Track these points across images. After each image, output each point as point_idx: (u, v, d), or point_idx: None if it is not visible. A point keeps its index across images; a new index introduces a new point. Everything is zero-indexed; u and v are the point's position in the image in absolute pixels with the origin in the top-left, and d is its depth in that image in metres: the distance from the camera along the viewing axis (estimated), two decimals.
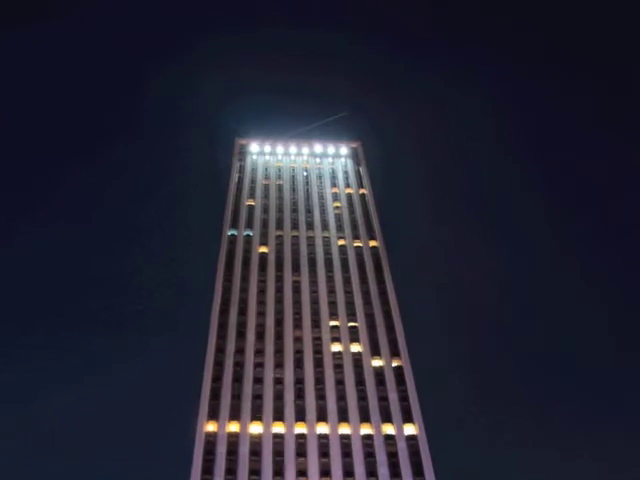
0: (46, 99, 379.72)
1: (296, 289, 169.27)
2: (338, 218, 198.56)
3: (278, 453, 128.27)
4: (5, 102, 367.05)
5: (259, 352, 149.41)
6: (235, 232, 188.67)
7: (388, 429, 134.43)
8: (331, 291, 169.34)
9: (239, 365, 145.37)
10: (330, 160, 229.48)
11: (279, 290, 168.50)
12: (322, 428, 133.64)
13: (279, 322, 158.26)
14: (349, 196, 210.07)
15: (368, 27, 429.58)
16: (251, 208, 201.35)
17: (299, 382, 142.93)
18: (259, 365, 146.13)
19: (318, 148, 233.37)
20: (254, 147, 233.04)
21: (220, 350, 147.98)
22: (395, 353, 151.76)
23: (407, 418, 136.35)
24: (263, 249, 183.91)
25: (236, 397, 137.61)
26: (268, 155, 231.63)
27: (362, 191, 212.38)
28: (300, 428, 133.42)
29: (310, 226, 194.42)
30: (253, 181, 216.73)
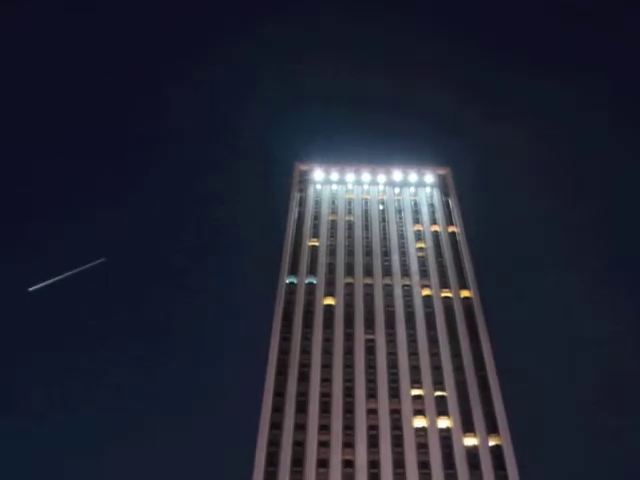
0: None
1: (370, 350, 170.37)
2: (422, 262, 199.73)
3: None
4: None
5: (324, 428, 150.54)
6: (295, 279, 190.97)
7: None
8: (413, 353, 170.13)
9: (299, 445, 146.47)
10: (412, 190, 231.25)
11: (349, 351, 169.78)
12: None
13: (349, 391, 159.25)
14: (435, 235, 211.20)
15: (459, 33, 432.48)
16: (314, 250, 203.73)
17: (374, 465, 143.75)
18: (324, 444, 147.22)
19: (397, 175, 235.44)
20: (318, 174, 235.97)
21: (276, 426, 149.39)
22: (492, 429, 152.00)
23: None
24: (329, 300, 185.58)
25: None
26: (335, 184, 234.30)
27: (452, 229, 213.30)
28: None
29: (387, 272, 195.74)
30: (317, 216, 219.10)
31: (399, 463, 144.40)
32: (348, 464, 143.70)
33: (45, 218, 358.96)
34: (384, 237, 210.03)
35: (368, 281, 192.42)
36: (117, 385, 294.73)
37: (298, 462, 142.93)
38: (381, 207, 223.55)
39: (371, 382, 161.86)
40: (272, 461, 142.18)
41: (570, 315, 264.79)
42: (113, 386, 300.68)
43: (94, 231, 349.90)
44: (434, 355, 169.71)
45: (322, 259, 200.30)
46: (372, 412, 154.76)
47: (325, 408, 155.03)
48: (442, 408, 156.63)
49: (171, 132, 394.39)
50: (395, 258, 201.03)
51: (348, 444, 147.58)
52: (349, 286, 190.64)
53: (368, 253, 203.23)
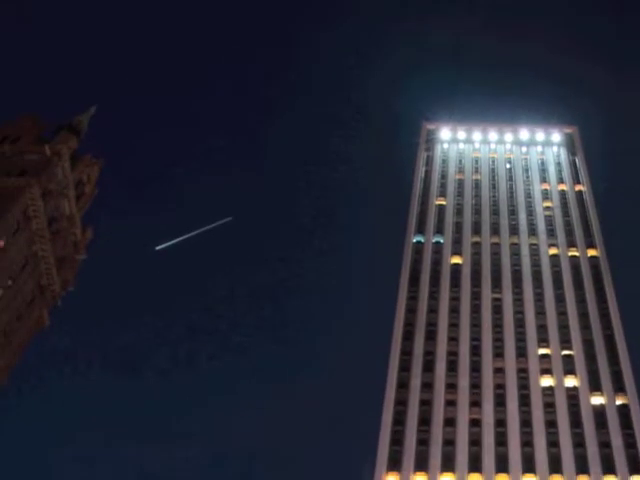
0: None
1: (497, 309, 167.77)
2: (549, 221, 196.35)
3: None
4: None
5: (451, 387, 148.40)
6: (422, 239, 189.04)
7: None
8: (540, 312, 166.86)
9: (426, 404, 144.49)
10: (539, 149, 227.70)
11: (476, 310, 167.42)
12: None
13: (476, 350, 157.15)
14: (562, 194, 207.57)
15: None
16: (441, 209, 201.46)
17: (500, 424, 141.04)
18: (451, 403, 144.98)
19: (524, 134, 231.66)
20: (445, 133, 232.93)
21: (403, 385, 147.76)
22: (620, 388, 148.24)
23: (635, 469, 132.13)
24: (456, 259, 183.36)
25: (423, 443, 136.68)
26: (462, 143, 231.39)
27: (579, 187, 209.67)
28: None
29: (514, 231, 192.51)
30: (444, 175, 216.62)
31: (526, 422, 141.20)
32: (475, 423, 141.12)
33: (173, 177, 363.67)
34: (511, 196, 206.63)
35: (495, 240, 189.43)
36: (241, 344, 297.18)
37: (425, 421, 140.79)
38: (508, 166, 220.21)
39: (498, 341, 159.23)
40: (399, 420, 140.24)
41: None
42: (237, 345, 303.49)
43: (221, 190, 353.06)
44: (561, 314, 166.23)
45: (449, 218, 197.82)
46: (499, 371, 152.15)
47: (452, 367, 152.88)
48: (569, 367, 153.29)
49: (298, 92, 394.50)
50: (522, 217, 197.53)
51: (475, 403, 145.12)
52: (476, 245, 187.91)
53: (495, 212, 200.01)
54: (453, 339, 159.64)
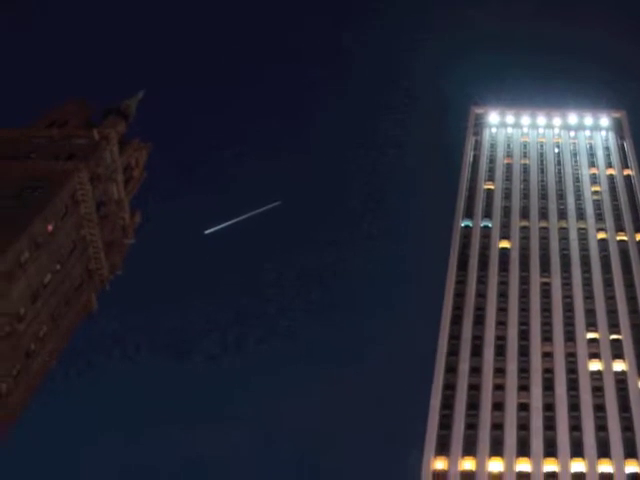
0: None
1: (545, 293, 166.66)
2: (597, 206, 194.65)
3: None
4: None
5: (499, 371, 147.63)
6: (470, 223, 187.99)
7: None
8: (588, 296, 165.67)
9: (475, 388, 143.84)
10: (587, 133, 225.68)
11: (524, 295, 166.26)
12: (578, 465, 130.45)
13: (524, 334, 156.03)
14: (611, 178, 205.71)
15: None
16: (490, 193, 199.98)
17: (549, 408, 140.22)
18: (499, 387, 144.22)
19: (572, 119, 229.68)
20: (493, 117, 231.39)
21: (451, 369, 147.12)
22: None
23: None
24: (505, 244, 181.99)
25: (471, 427, 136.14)
26: (511, 127, 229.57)
27: (627, 172, 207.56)
28: (550, 465, 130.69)
29: (563, 216, 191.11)
30: (492, 160, 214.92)
31: (574, 406, 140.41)
32: (523, 407, 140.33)
33: (222, 161, 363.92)
34: (559, 180, 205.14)
35: (543, 224, 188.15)
36: (290, 328, 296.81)
37: (473, 405, 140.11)
38: (556, 150, 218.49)
39: (546, 325, 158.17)
40: (447, 404, 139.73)
41: None
42: (286, 329, 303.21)
43: (269, 174, 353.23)
44: (609, 298, 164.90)
45: (497, 202, 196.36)
46: (547, 355, 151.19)
47: (500, 351, 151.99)
48: (617, 351, 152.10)
49: (348, 75, 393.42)
50: (570, 201, 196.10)
51: (523, 387, 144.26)
52: (524, 229, 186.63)
53: (543, 196, 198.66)
54: (501, 323, 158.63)
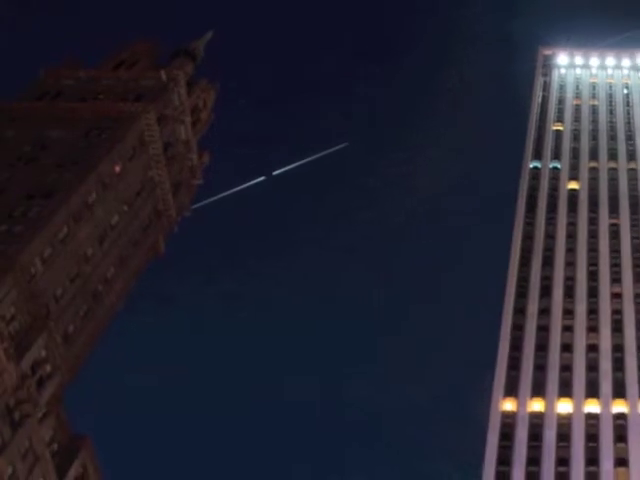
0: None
1: (614, 234, 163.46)
2: None
3: (591, 437, 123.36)
4: None
5: (568, 313, 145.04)
6: (539, 164, 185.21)
7: None
8: None
9: (543, 329, 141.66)
10: None
11: (593, 235, 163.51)
12: None
13: (593, 275, 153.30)
14: None
15: None
16: (559, 134, 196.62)
17: (618, 349, 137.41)
18: (568, 329, 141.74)
19: None
20: (562, 58, 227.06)
21: (520, 311, 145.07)
22: None
23: None
24: (573, 185, 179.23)
25: (540, 369, 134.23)
26: (580, 68, 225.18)
27: None
28: (619, 406, 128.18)
29: (632, 157, 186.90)
30: (561, 101, 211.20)
31: None
32: (592, 348, 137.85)
33: (288, 104, 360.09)
34: (628, 122, 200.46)
35: (612, 165, 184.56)
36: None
37: (542, 347, 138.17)
38: (625, 91, 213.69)
39: (615, 266, 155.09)
40: (516, 346, 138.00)
41: None
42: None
43: (336, 116, 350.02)
44: None
45: (566, 144, 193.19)
46: (616, 296, 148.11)
47: (569, 292, 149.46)
48: None
49: (411, 22, 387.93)
50: (639, 142, 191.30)
51: (592, 328, 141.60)
52: (593, 170, 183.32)
53: (612, 137, 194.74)
54: (570, 264, 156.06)
